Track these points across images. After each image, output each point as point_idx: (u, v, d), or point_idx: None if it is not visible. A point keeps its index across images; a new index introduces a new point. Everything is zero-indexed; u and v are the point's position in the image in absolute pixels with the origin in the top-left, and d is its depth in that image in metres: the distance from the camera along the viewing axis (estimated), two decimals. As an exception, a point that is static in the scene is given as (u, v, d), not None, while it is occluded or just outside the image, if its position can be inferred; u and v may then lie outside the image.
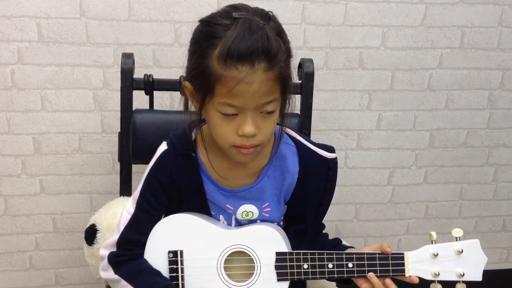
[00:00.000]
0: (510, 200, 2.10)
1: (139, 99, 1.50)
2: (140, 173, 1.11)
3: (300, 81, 1.42)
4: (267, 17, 0.95)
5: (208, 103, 0.96)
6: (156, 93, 1.46)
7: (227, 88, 0.92)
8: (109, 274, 1.08)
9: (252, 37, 0.90)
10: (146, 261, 1.08)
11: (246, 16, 0.93)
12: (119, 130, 1.41)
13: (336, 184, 1.12)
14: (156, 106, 1.60)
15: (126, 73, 1.37)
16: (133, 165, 1.43)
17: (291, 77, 0.98)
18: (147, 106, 1.45)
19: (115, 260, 1.07)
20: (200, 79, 0.95)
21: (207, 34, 0.94)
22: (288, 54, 0.97)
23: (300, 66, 1.42)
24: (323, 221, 1.19)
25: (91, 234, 1.32)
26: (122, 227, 1.07)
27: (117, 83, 1.50)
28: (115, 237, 1.08)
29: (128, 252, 1.08)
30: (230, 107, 0.94)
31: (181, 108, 1.07)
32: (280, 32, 0.96)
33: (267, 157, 1.09)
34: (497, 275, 2.17)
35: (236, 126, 0.96)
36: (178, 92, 1.41)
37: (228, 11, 0.95)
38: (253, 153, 1.00)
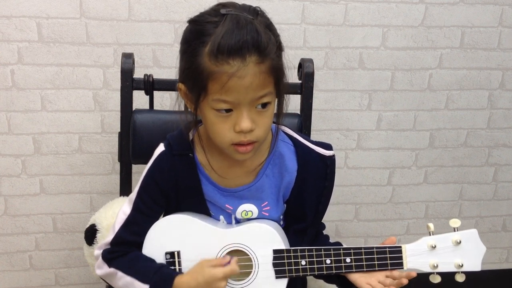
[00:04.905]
0: (510, 200, 2.10)
1: (139, 99, 1.50)
2: (140, 173, 1.10)
3: (300, 81, 1.42)
4: (255, 12, 0.95)
5: (202, 101, 0.96)
6: (156, 93, 1.46)
7: (219, 84, 0.92)
8: (103, 270, 1.07)
9: (241, 32, 0.90)
10: (139, 252, 1.07)
11: (234, 12, 0.93)
12: (119, 130, 1.41)
13: (336, 184, 1.12)
14: (156, 106, 1.60)
15: (126, 73, 1.37)
16: (133, 165, 1.43)
17: (283, 70, 0.98)
18: (147, 106, 1.45)
19: (109, 256, 1.07)
20: (193, 78, 0.95)
21: (196, 32, 0.95)
22: (279, 47, 0.97)
23: (300, 66, 1.42)
24: (323, 221, 1.18)
25: (91, 234, 1.32)
26: (117, 228, 1.07)
27: (117, 83, 1.50)
28: (110, 237, 1.08)
29: (122, 250, 1.07)
30: (225, 103, 0.94)
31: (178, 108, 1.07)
32: (269, 26, 0.96)
33: (265, 154, 1.09)
34: (497, 275, 2.17)
35: (232, 123, 0.96)
36: (178, 93, 1.41)
37: (216, 9, 0.96)
38: (251, 150, 1.00)
